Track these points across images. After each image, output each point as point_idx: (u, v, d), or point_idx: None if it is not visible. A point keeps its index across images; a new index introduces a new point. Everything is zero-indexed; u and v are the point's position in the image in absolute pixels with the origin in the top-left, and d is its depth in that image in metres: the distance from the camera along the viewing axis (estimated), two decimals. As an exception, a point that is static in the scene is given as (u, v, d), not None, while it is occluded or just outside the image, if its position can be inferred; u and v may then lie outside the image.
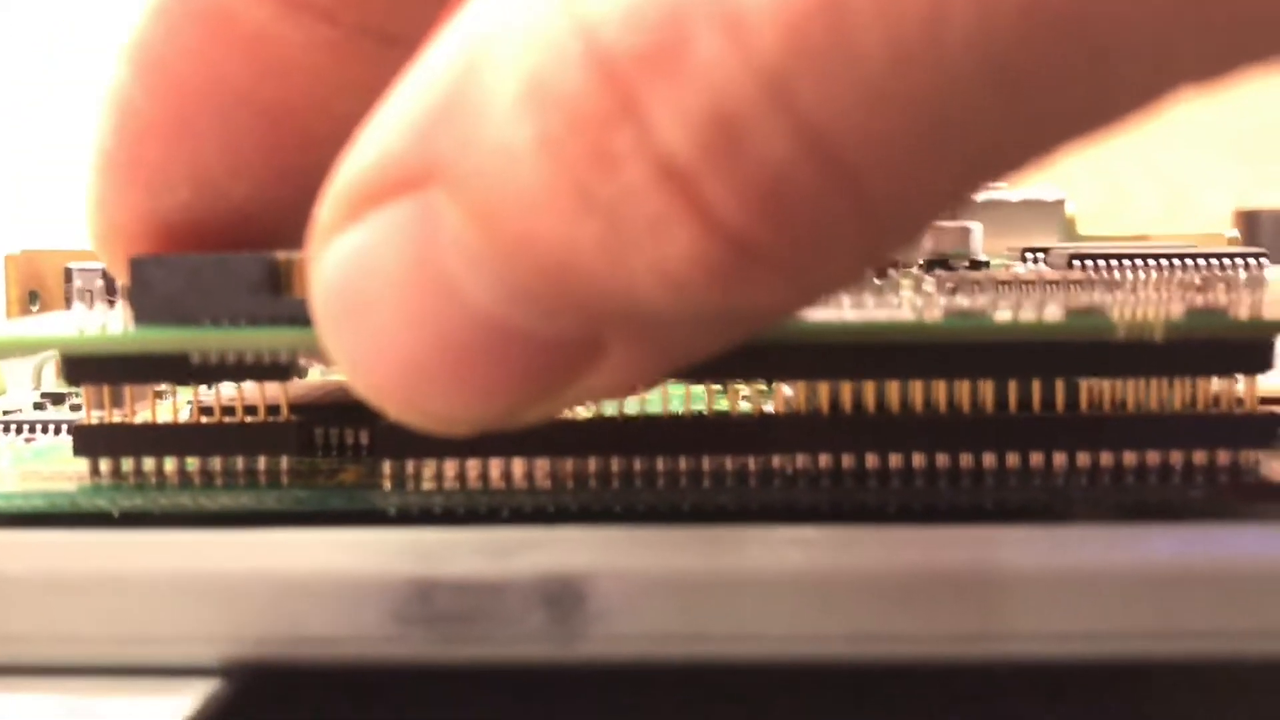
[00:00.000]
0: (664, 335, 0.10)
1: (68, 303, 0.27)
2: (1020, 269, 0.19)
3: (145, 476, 0.14)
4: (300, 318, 0.13)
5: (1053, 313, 0.13)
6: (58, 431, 0.17)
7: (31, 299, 0.27)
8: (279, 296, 0.13)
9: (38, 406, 0.21)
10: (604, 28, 0.08)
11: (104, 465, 0.14)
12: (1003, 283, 0.15)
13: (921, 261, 0.18)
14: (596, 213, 0.09)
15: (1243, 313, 0.13)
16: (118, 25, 0.13)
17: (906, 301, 0.13)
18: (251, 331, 0.13)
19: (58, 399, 0.22)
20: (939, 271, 0.18)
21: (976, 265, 0.19)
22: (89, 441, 0.14)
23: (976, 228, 0.19)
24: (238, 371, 0.13)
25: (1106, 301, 0.13)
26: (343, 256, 0.10)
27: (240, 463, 0.14)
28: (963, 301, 0.13)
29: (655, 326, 0.10)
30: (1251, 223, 0.31)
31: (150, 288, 0.13)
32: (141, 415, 0.15)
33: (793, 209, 0.09)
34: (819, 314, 0.13)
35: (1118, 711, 0.14)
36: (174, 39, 0.13)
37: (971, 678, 0.13)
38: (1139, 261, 0.19)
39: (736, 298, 0.09)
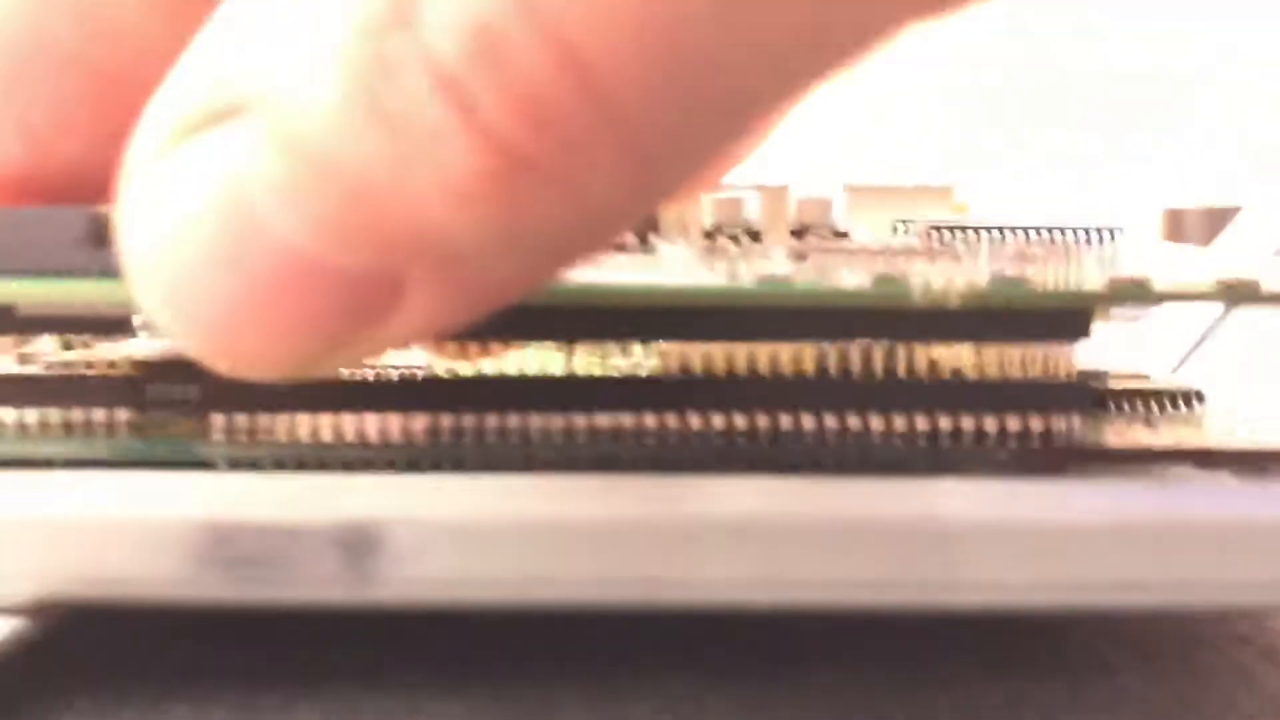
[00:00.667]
0: (461, 270, 0.10)
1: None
2: (869, 240, 0.20)
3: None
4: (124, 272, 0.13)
5: (857, 279, 0.13)
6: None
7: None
8: (104, 250, 0.13)
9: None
10: None
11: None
12: (842, 251, 0.16)
13: (706, 229, 0.19)
14: (384, 125, 0.09)
15: (1049, 282, 0.13)
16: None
17: (723, 268, 0.14)
18: (75, 283, 0.13)
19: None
20: (793, 240, 0.18)
21: (838, 235, 0.19)
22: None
23: (838, 198, 0.19)
24: (67, 325, 0.14)
25: (919, 270, 0.14)
26: (150, 194, 0.10)
27: (78, 415, 0.14)
28: (774, 269, 0.13)
29: (451, 259, 0.10)
30: (1176, 221, 0.32)
31: (-27, 238, 0.13)
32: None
33: (553, 120, 0.09)
34: (626, 275, 0.13)
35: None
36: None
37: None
38: (993, 233, 0.19)
39: (517, 214, 0.09)
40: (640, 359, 0.15)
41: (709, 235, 0.19)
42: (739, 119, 0.10)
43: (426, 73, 0.09)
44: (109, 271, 0.13)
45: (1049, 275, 0.14)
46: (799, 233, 0.19)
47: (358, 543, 0.12)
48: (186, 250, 0.10)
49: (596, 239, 0.11)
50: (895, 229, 0.21)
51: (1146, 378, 0.17)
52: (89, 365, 0.15)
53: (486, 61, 0.09)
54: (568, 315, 0.14)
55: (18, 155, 0.13)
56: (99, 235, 0.13)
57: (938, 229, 0.19)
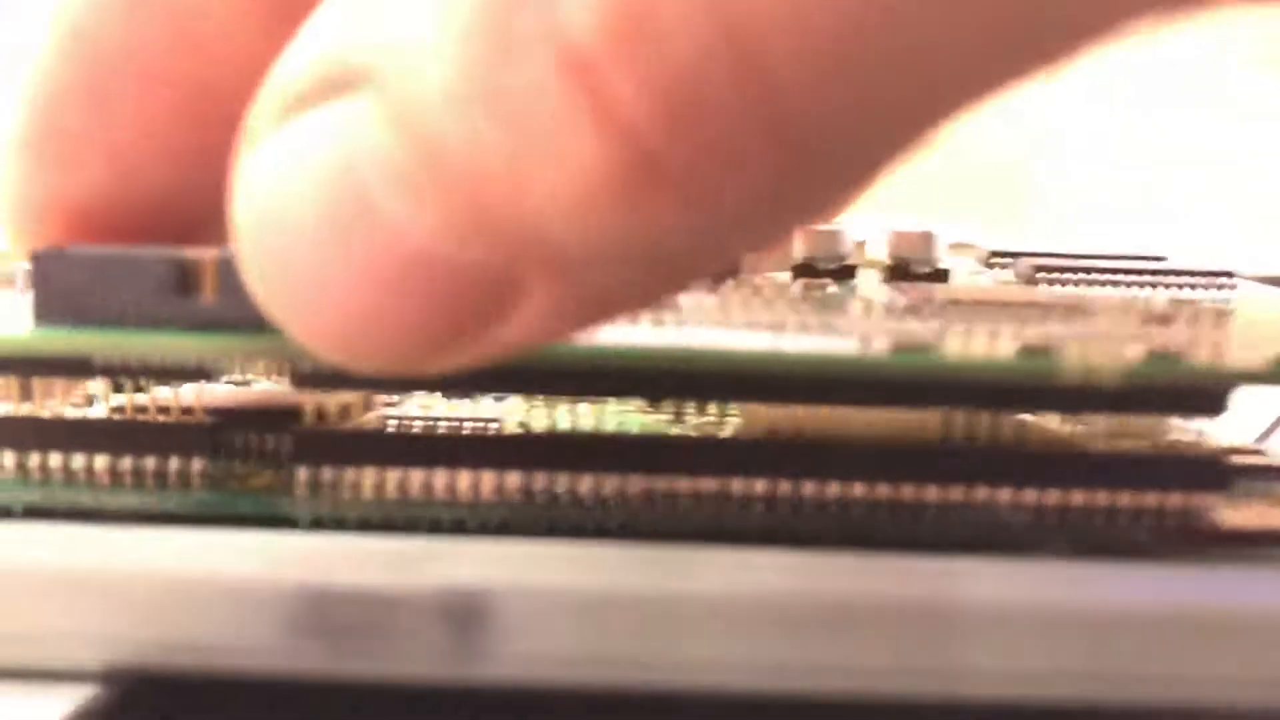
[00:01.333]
0: (581, 276, 0.09)
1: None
2: (984, 280, 0.19)
3: (50, 472, 0.13)
4: (210, 323, 0.12)
5: (1005, 348, 0.12)
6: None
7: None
8: (188, 299, 0.12)
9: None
10: None
11: (8, 459, 0.14)
12: (958, 302, 0.15)
13: (793, 265, 0.18)
14: (502, 111, 0.08)
15: (1202, 356, 0.12)
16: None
17: (853, 323, 0.13)
18: (156, 336, 0.12)
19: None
20: (898, 283, 0.17)
21: (938, 274, 0.18)
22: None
23: (940, 232, 0.18)
24: (145, 373, 0.13)
25: (1061, 334, 0.13)
26: (263, 164, 0.09)
27: (151, 464, 0.14)
28: (914, 326, 0.12)
29: (567, 263, 0.09)
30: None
31: (51, 283, 0.12)
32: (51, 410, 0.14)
33: (700, 112, 0.08)
34: (759, 342, 0.12)
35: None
36: (94, 7, 0.12)
37: (897, 713, 0.12)
38: (1103, 276, 0.18)
39: (637, 219, 0.08)
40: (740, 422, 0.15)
41: (799, 270, 0.18)
42: (909, 129, 0.09)
43: (554, 51, 0.08)
44: (193, 324, 0.12)
45: (1198, 342, 0.13)
46: (896, 269, 0.18)
47: (465, 613, 0.11)
48: (296, 229, 0.09)
49: (723, 256, 0.10)
50: (991, 264, 0.20)
51: (1263, 453, 0.16)
52: (162, 410, 0.14)
53: (627, 42, 0.08)
54: (680, 378, 0.13)
55: (103, 180, 0.13)
56: (182, 283, 0.12)
57: (1045, 270, 0.18)
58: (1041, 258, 0.19)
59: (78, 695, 0.12)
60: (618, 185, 0.08)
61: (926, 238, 0.18)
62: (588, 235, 0.08)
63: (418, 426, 0.15)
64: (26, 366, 0.13)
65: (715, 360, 0.12)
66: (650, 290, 0.10)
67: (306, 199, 0.09)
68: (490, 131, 0.08)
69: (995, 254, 0.20)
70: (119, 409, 0.14)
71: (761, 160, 0.08)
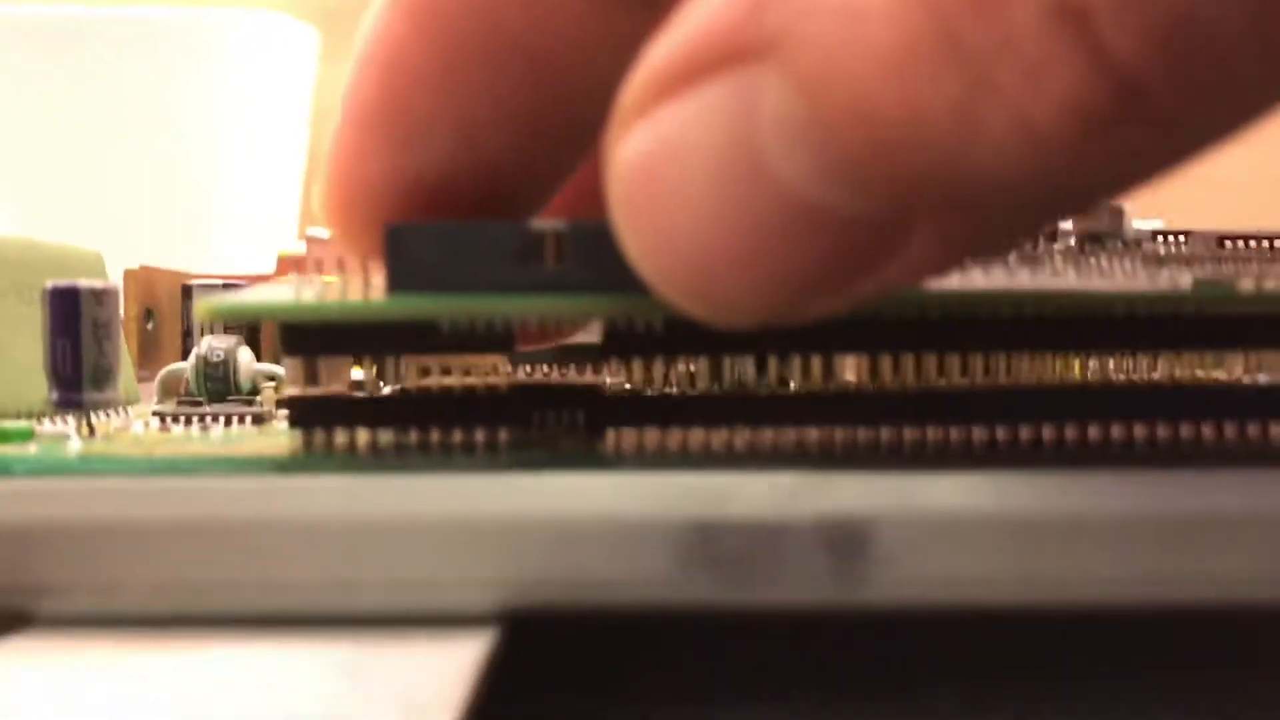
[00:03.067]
0: (976, 215, 0.10)
1: (185, 320, 0.27)
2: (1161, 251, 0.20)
3: (358, 449, 0.14)
4: (555, 286, 0.13)
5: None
6: (241, 421, 0.18)
7: (147, 316, 0.27)
8: (534, 265, 0.13)
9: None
10: None
11: (319, 438, 0.14)
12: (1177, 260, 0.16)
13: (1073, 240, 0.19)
14: (961, 67, 0.09)
15: None
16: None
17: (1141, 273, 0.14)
18: (507, 299, 0.13)
19: (195, 403, 0.22)
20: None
21: (1129, 246, 0.19)
22: (308, 413, 0.14)
23: (1128, 209, 0.19)
24: (489, 337, 0.14)
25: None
26: (651, 136, 0.10)
27: (457, 436, 0.14)
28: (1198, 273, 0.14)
29: (973, 203, 0.10)
30: None
31: (406, 254, 0.13)
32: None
33: (1197, 49, 0.09)
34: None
35: None
36: None
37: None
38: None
39: (1102, 151, 0.09)
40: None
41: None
42: None
43: (1044, 3, 0.09)
44: (537, 287, 0.13)
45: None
46: (1085, 241, 0.19)
47: (845, 541, 0.12)
48: (680, 190, 0.10)
49: (1129, 189, 0.10)
50: (1157, 239, 0.21)
51: None
52: (467, 388, 0.15)
53: None
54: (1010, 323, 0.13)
55: (447, 152, 0.13)
56: (529, 251, 0.13)
57: (1227, 239, 0.19)
58: (1205, 236, 0.20)
59: (480, 639, 0.12)
60: (1091, 119, 0.09)
61: (1118, 212, 0.19)
62: (1024, 175, 0.09)
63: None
64: (378, 334, 0.14)
65: (1074, 301, 0.13)
66: (1032, 226, 0.11)
67: (696, 160, 0.10)
68: (938, 86, 0.09)
69: (1157, 232, 0.21)
70: (423, 386, 0.15)
71: (1254, 85, 0.09)
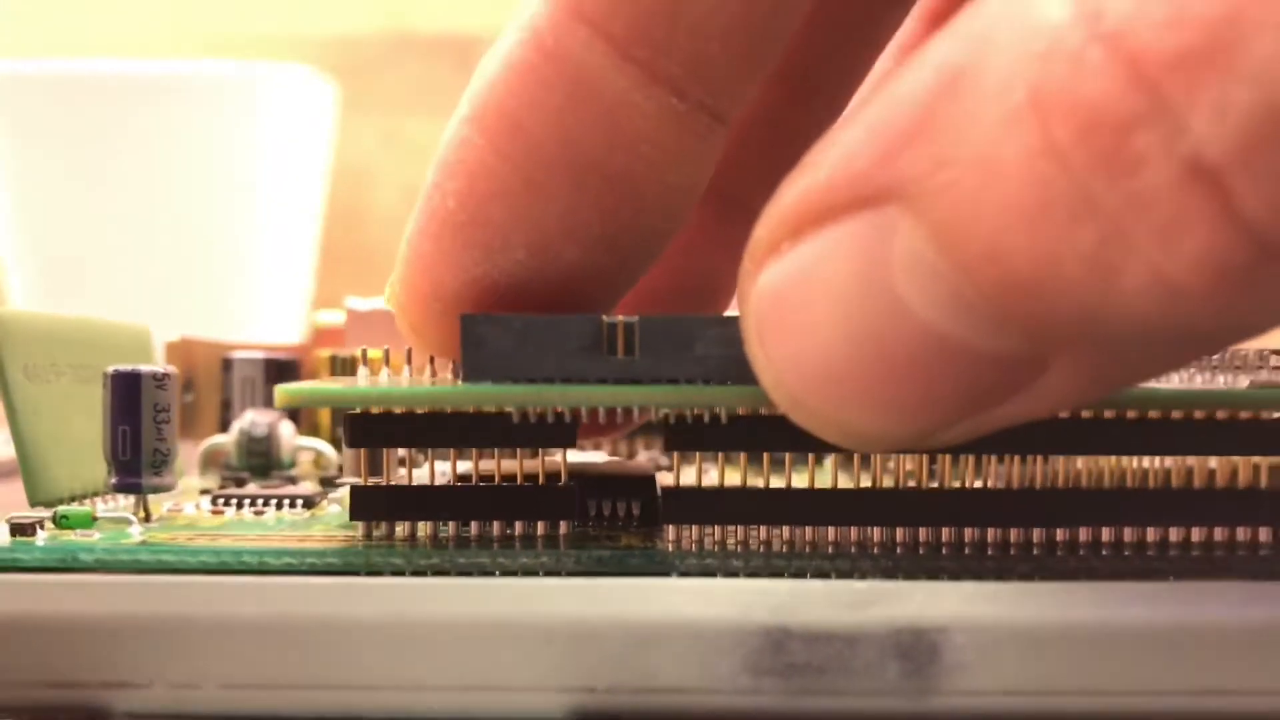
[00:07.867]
0: (1112, 355, 0.10)
1: (224, 391, 0.27)
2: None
3: (420, 540, 0.14)
4: (626, 377, 0.13)
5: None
6: (292, 505, 0.17)
7: (186, 388, 0.27)
8: (605, 357, 0.13)
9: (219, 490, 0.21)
10: (1134, 33, 0.09)
11: (379, 529, 0.14)
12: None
13: None
14: (1095, 221, 0.09)
15: None
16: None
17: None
18: (580, 389, 0.13)
19: (240, 482, 0.22)
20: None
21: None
22: (370, 504, 0.14)
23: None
24: (558, 427, 0.14)
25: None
26: (785, 269, 0.11)
27: (518, 528, 0.14)
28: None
29: (1108, 345, 0.10)
30: None
31: (482, 345, 0.13)
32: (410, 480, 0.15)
33: None
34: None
35: None
36: (534, 105, 0.13)
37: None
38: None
39: (1234, 303, 0.09)
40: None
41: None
42: None
43: (1177, 163, 0.09)
44: (609, 377, 0.13)
45: None
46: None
47: (917, 650, 0.12)
48: (814, 318, 0.10)
49: (1264, 332, 0.10)
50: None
51: None
52: (529, 477, 0.15)
53: (1264, 148, 0.09)
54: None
55: (521, 260, 0.13)
56: (603, 343, 0.13)
57: None
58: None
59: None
60: (1224, 274, 0.09)
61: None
62: (1157, 324, 0.09)
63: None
64: (448, 424, 0.14)
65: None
66: (1167, 365, 0.11)
67: (826, 291, 0.10)
68: (1072, 238, 0.09)
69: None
70: (486, 477, 0.15)
71: None
